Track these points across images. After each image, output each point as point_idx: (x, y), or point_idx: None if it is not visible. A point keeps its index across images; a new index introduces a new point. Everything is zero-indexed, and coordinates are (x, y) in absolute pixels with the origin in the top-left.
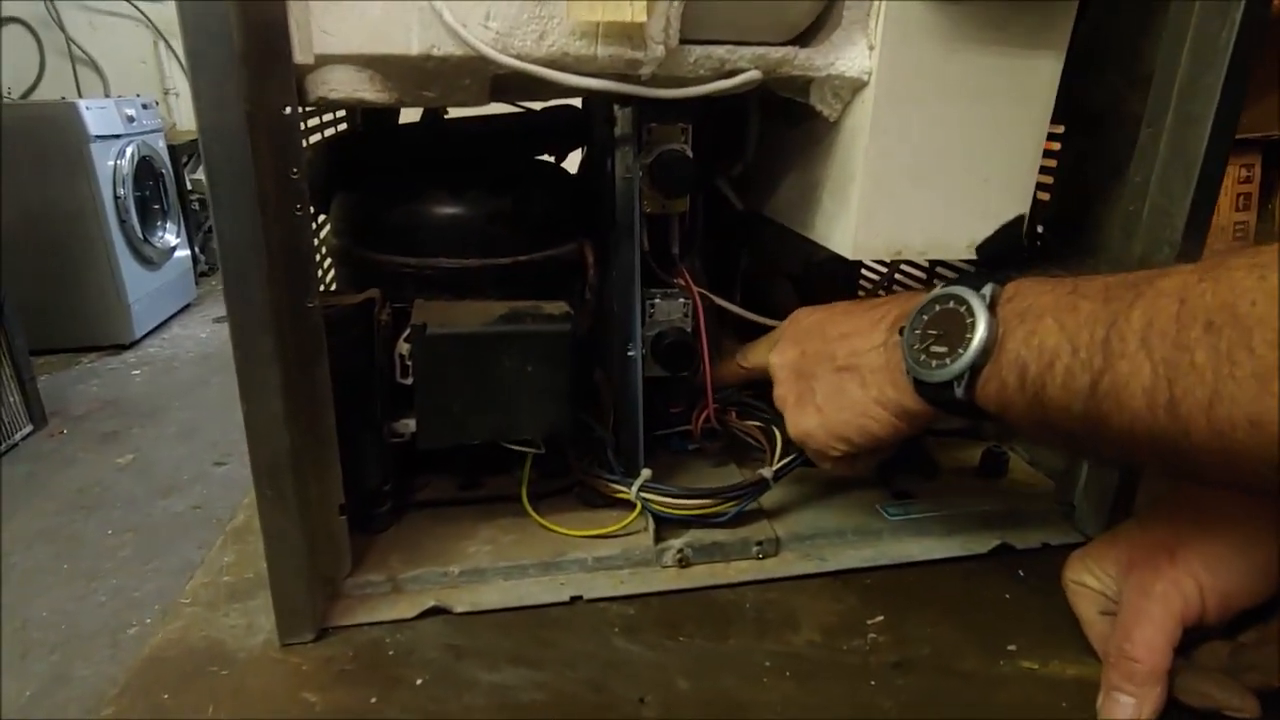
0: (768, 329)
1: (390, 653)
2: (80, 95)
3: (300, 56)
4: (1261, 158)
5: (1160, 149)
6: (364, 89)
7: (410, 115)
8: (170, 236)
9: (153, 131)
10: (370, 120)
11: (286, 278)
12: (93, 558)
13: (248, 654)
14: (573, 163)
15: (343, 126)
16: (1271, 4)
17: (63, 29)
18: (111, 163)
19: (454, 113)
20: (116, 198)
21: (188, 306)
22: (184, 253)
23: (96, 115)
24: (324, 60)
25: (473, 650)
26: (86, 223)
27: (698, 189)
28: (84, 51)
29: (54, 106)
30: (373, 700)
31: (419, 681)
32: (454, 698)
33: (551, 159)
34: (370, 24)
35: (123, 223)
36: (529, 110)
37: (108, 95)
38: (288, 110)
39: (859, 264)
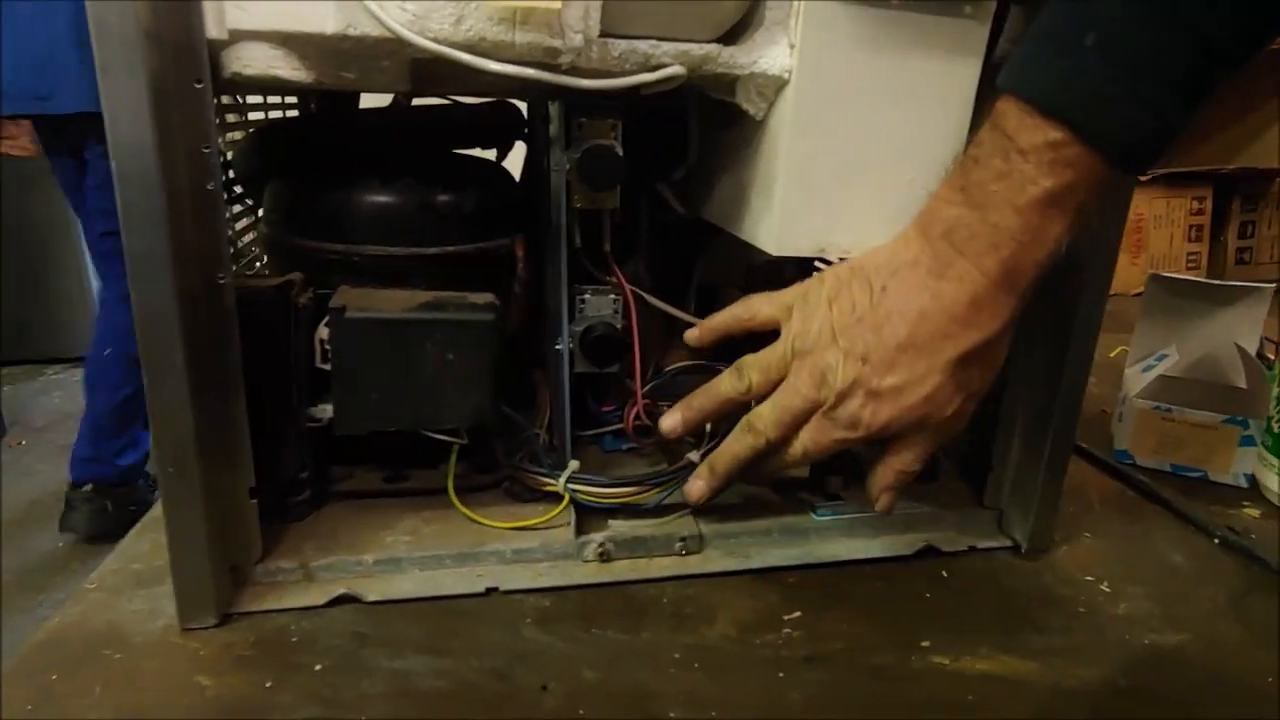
0: None
1: (293, 639)
2: None
3: (213, 31)
4: (1213, 190)
5: None
6: (279, 66)
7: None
8: None
9: None
10: (322, 106)
11: (198, 255)
12: (44, 570)
13: (145, 638)
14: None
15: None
16: None
17: None
18: None
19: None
20: None
21: None
22: None
23: None
24: (238, 36)
25: (379, 638)
26: (56, 233)
27: (624, 183)
28: None
29: None
30: (267, 685)
31: (318, 668)
32: (352, 684)
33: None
34: (286, 0)
35: None
36: (470, 104)
37: None
38: (199, 84)
39: (799, 270)
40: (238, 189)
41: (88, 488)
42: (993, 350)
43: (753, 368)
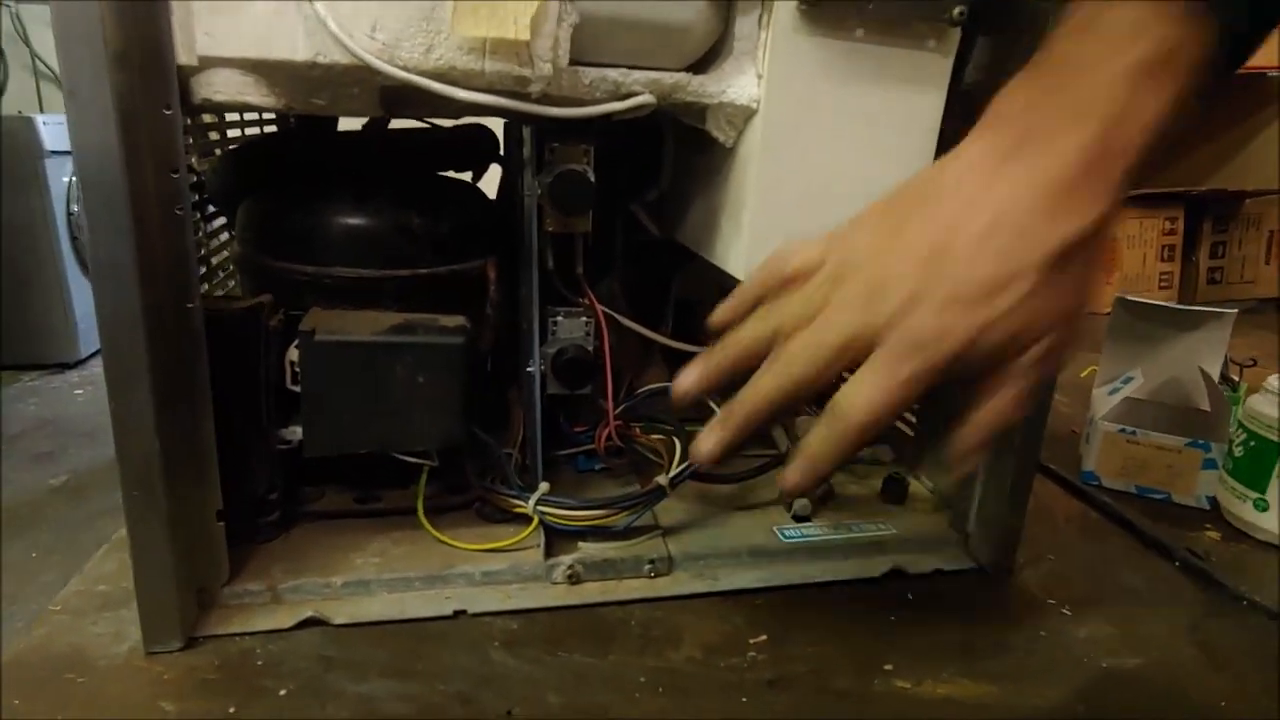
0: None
1: (259, 663)
2: (42, 110)
3: (183, 57)
4: (1185, 211)
5: None
6: (249, 93)
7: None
8: None
9: None
10: (300, 125)
11: (167, 277)
12: (15, 581)
13: (109, 662)
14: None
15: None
16: None
17: (28, 44)
18: (66, 179)
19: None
20: (69, 214)
21: None
22: None
23: (54, 130)
24: (208, 62)
25: (345, 661)
26: (36, 239)
27: (599, 204)
28: (48, 68)
29: (9, 121)
30: (231, 710)
31: (283, 692)
32: (316, 708)
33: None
34: (255, 28)
35: (74, 239)
36: (447, 127)
37: None
38: (169, 110)
39: None
40: (212, 207)
41: None
42: (1089, 251)
43: (785, 303)
